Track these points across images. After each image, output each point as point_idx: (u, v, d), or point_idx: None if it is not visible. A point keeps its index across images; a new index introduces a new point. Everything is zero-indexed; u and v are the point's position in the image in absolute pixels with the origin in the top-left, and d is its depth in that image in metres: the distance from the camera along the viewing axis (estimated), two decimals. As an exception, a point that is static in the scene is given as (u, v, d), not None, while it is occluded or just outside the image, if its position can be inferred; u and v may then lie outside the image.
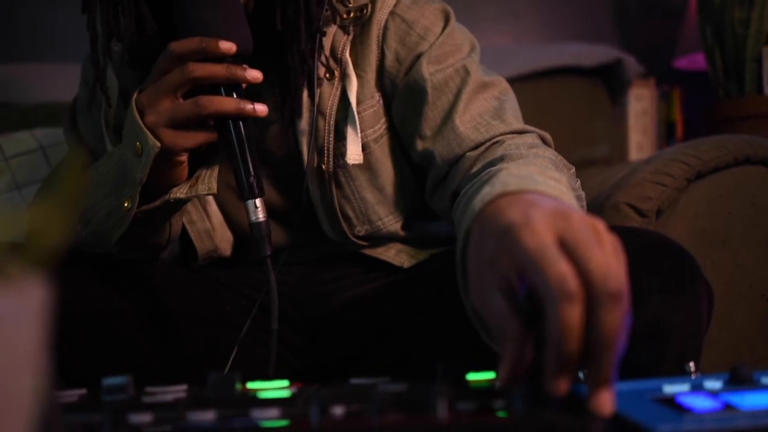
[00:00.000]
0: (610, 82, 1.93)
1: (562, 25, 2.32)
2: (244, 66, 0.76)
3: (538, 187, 0.57)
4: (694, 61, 2.23)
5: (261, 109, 0.76)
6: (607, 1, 2.39)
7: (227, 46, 0.74)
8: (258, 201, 0.76)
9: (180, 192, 0.79)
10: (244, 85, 0.77)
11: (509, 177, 0.60)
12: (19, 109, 1.58)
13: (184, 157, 0.77)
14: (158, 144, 0.74)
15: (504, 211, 0.53)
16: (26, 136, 1.42)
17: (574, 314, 0.45)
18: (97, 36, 0.83)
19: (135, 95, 0.77)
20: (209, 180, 0.79)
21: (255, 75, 0.76)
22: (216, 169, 0.80)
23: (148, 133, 0.74)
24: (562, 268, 0.46)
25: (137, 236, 0.83)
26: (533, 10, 2.31)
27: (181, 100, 0.75)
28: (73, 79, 1.04)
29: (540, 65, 1.83)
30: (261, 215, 0.76)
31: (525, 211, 0.51)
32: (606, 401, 0.46)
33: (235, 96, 0.76)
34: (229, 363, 0.81)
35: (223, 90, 0.76)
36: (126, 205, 0.78)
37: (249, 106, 0.75)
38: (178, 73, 0.74)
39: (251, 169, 0.76)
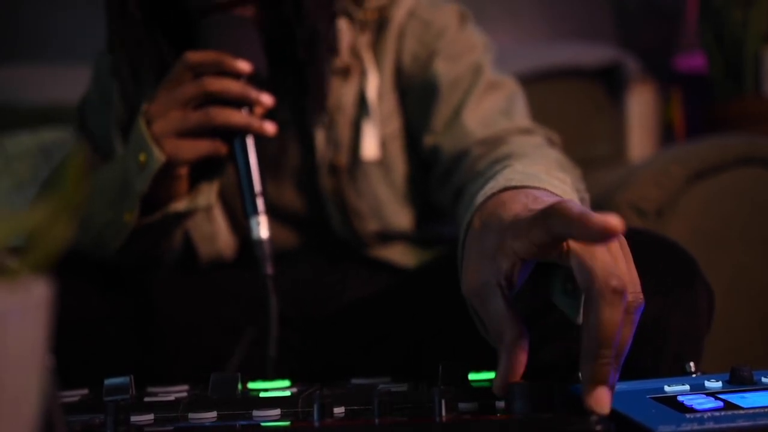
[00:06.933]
0: (610, 81, 1.93)
1: (562, 25, 2.32)
2: (259, 89, 0.76)
3: (541, 184, 0.58)
4: (694, 61, 2.23)
5: (269, 128, 0.76)
6: (608, 0, 2.38)
7: (243, 65, 0.74)
8: (261, 218, 0.75)
9: (179, 205, 0.79)
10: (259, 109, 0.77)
11: (513, 173, 0.61)
12: (21, 110, 1.58)
13: (184, 171, 0.76)
14: (163, 157, 0.73)
15: (506, 205, 0.54)
16: (28, 136, 1.42)
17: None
18: (122, 71, 0.83)
19: (144, 106, 0.76)
20: (209, 193, 0.80)
21: (267, 100, 0.76)
22: (216, 183, 0.80)
23: (153, 145, 0.73)
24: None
25: (136, 247, 0.82)
26: (533, 10, 2.31)
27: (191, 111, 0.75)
28: (76, 80, 1.04)
29: (540, 65, 1.83)
30: (263, 233, 0.75)
31: (528, 207, 0.52)
32: (601, 399, 0.46)
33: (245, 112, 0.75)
34: (209, 362, 0.81)
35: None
36: (126, 217, 0.78)
37: (257, 123, 0.75)
38: (193, 85, 0.74)
39: (255, 186, 0.75)
